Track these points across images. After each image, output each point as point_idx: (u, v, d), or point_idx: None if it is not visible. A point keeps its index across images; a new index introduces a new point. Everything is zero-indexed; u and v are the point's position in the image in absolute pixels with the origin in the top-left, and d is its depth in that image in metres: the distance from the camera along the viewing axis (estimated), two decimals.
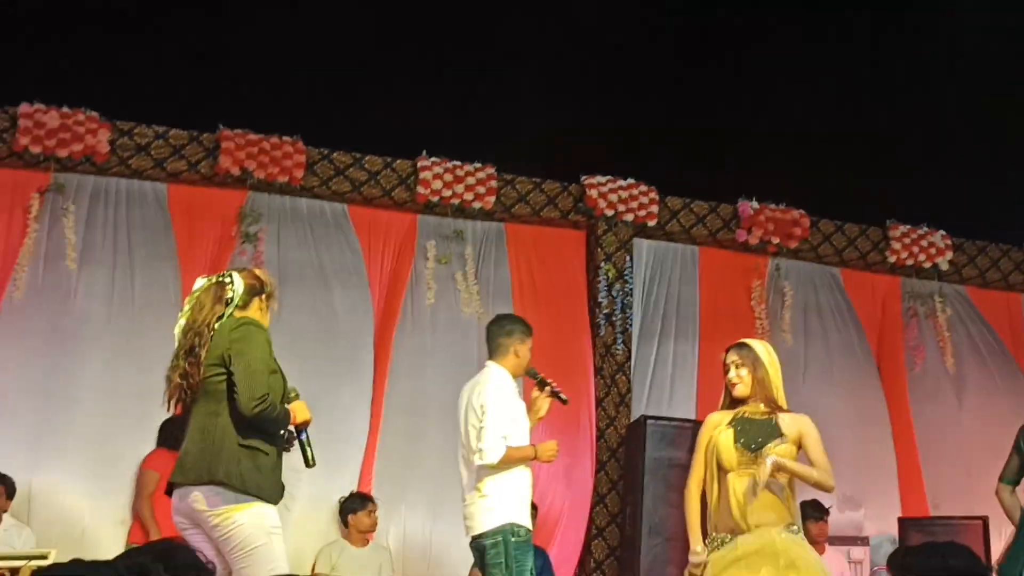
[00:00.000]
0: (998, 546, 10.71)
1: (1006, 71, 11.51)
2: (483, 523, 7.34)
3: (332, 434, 9.52)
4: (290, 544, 6.08)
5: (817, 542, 9.96)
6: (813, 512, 10.06)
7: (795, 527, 6.57)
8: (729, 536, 6.48)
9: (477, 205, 10.71)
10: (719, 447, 6.61)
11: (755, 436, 6.61)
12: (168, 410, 5.99)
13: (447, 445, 9.80)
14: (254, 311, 6.06)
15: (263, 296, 6.12)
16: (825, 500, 10.09)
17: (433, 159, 10.63)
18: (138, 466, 9.42)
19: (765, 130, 11.37)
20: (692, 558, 6.57)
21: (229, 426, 5.72)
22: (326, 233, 10.47)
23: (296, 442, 6.01)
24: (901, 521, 10.74)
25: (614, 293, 10.91)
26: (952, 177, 11.60)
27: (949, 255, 12.00)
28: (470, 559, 9.52)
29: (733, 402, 6.86)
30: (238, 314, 5.97)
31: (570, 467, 10.34)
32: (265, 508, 5.70)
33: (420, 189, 10.55)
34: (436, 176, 10.59)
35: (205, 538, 5.73)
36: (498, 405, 7.39)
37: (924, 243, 11.93)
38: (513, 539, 7.26)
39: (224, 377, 5.78)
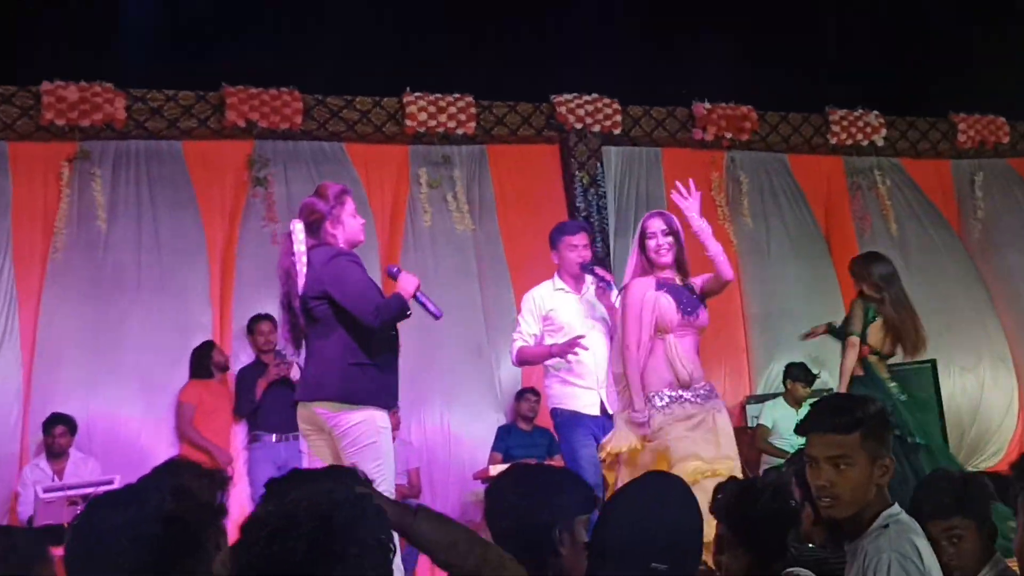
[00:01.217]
0: (947, 385, 10.87)
1: None
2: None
3: None
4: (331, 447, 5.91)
5: (803, 399, 10.15)
6: (803, 375, 10.23)
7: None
8: (666, 393, 6.46)
9: (460, 132, 10.69)
10: (663, 311, 6.52)
11: (689, 301, 6.61)
12: (295, 350, 6.08)
13: (455, 349, 10.11)
14: (331, 232, 5.94)
15: (329, 212, 5.93)
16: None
17: (417, 94, 10.58)
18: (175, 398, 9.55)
19: (710, 35, 10.97)
20: (637, 417, 6.41)
21: (339, 349, 5.79)
22: (328, 170, 10.28)
23: (417, 307, 6.07)
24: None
25: (589, 198, 10.90)
26: (879, 58, 11.47)
27: (884, 132, 12.05)
28: (483, 443, 9.87)
29: (646, 269, 6.71)
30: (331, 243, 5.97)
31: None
32: (375, 412, 5.75)
33: (408, 122, 10.52)
34: (421, 109, 10.55)
35: (326, 442, 5.87)
36: (522, 313, 7.51)
37: (861, 123, 11.96)
38: (557, 419, 7.31)
39: (327, 305, 5.81)
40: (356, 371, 5.78)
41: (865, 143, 12.01)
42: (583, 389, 7.21)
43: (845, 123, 11.93)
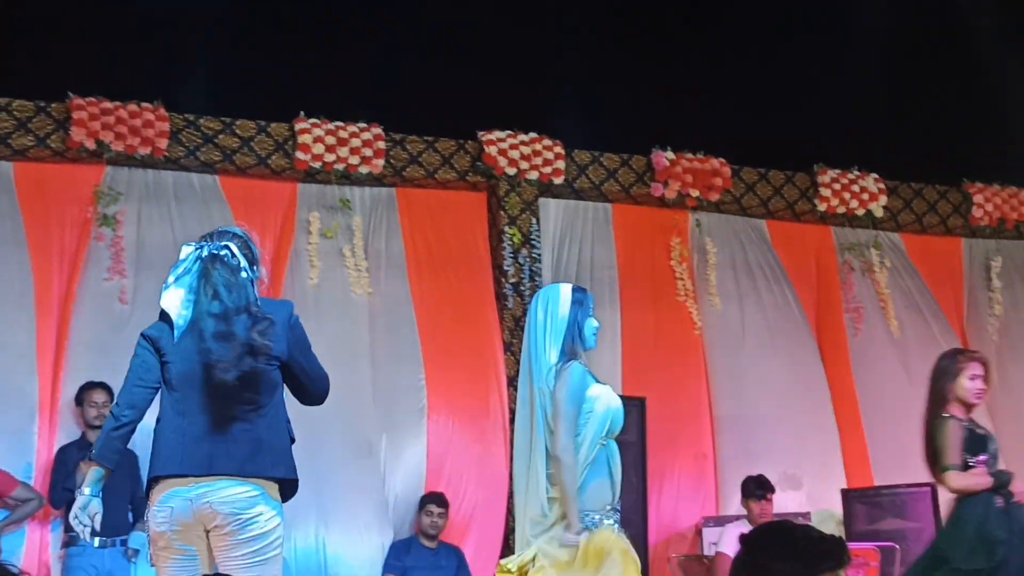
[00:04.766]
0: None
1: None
2: None
3: None
4: None
5: (758, 521, 9.89)
6: (756, 490, 9.99)
7: None
8: (599, 517, 6.17)
9: (364, 169, 10.58)
10: (615, 414, 6.31)
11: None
12: None
13: (337, 447, 10.03)
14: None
15: None
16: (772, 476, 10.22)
17: (312, 120, 10.51)
18: None
19: (679, 73, 11.19)
20: (572, 540, 6.07)
21: None
22: (195, 209, 10.28)
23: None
24: (845, 493, 10.75)
25: (521, 260, 10.85)
26: (880, 110, 11.60)
27: (883, 200, 12.05)
28: (368, 567, 9.91)
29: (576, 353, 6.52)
30: None
31: (482, 456, 10.30)
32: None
33: (299, 154, 10.40)
34: (317, 139, 10.46)
35: None
36: None
37: (855, 188, 11.97)
38: None
39: None
40: None
41: (861, 212, 11.98)
42: None
43: (837, 186, 11.91)
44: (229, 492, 5.14)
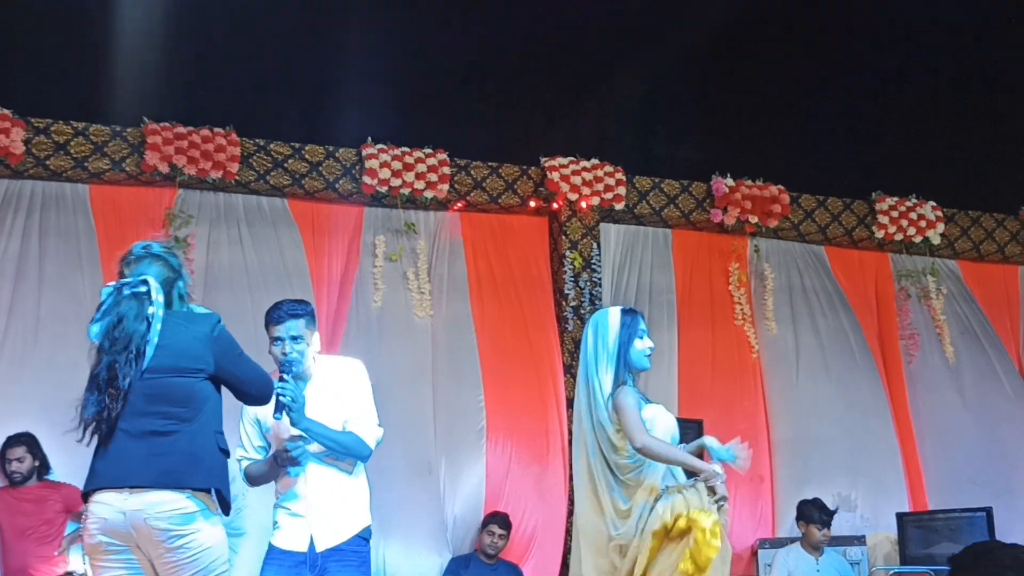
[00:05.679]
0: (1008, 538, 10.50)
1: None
2: None
3: None
4: None
5: (820, 545, 9.82)
6: (817, 514, 9.81)
7: None
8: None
9: (429, 194, 10.51)
10: (671, 433, 6.20)
11: None
12: None
13: (398, 466, 9.75)
14: None
15: None
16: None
17: (380, 146, 10.42)
18: None
19: (738, 101, 11.14)
20: (712, 468, 5.95)
21: None
22: (264, 231, 10.22)
23: None
24: (900, 517, 10.54)
25: (581, 284, 10.69)
26: (939, 144, 11.44)
27: (941, 227, 11.89)
28: None
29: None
30: None
31: (541, 475, 10.14)
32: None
33: (366, 179, 10.34)
34: (383, 164, 10.38)
35: None
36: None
37: (913, 215, 11.80)
38: None
39: None
40: None
41: (918, 239, 11.81)
42: (290, 518, 6.20)
43: (895, 214, 11.74)
44: (163, 508, 4.99)
